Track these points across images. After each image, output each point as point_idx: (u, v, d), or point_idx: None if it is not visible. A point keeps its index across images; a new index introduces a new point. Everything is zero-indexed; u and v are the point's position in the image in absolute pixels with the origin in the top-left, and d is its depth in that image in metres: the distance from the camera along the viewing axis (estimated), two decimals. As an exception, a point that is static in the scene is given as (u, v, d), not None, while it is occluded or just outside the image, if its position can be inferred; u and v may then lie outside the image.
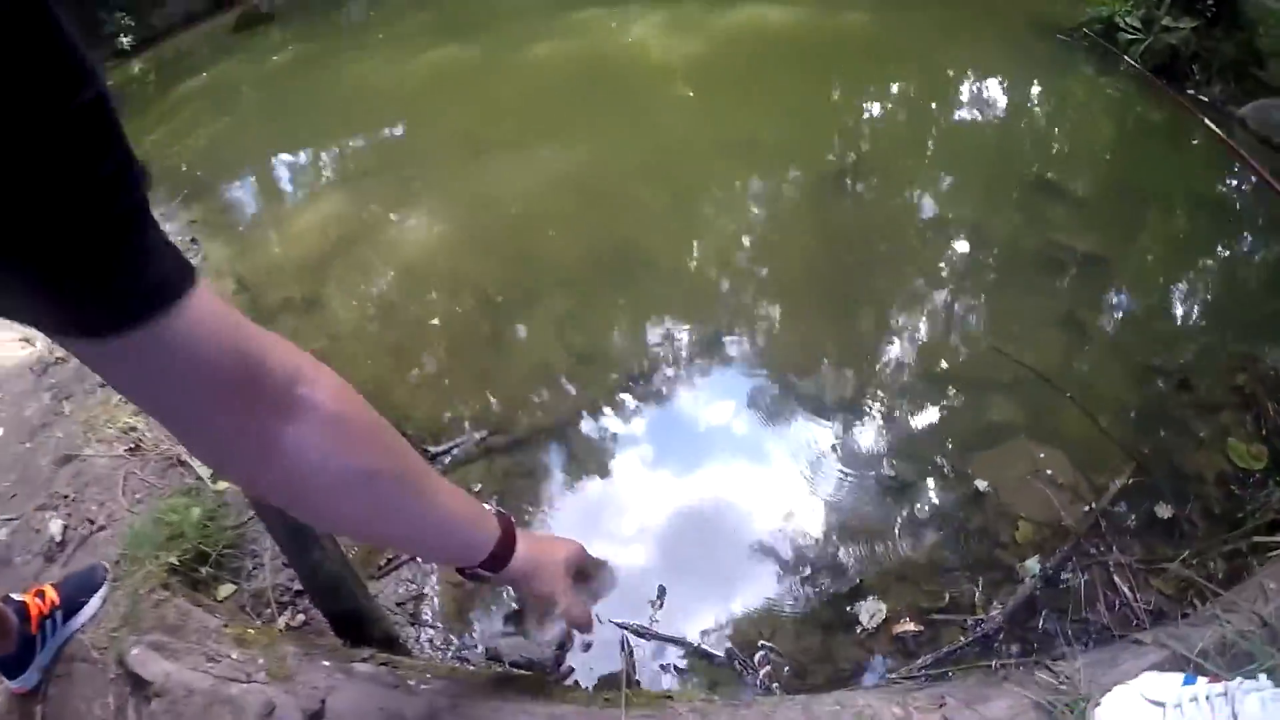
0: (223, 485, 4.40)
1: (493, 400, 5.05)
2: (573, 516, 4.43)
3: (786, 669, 3.72)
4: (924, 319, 5.58)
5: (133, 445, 4.96)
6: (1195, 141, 6.60)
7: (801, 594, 4.08)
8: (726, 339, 5.43)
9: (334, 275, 6.14)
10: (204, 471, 4.50)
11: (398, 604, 4.01)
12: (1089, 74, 7.69)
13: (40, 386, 5.50)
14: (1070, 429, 4.48)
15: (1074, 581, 3.67)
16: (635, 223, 6.49)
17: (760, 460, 4.81)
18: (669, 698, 3.03)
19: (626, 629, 3.88)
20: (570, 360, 5.30)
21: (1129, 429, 4.46)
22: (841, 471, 4.77)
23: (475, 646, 3.90)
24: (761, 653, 3.79)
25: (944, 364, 5.18)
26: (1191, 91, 7.00)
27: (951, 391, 4.96)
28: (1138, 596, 3.54)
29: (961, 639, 3.57)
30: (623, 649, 3.84)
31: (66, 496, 4.71)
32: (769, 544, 4.34)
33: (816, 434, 4.92)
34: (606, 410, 5.01)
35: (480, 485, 4.58)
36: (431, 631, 3.93)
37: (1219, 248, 5.91)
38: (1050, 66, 7.91)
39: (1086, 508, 4.01)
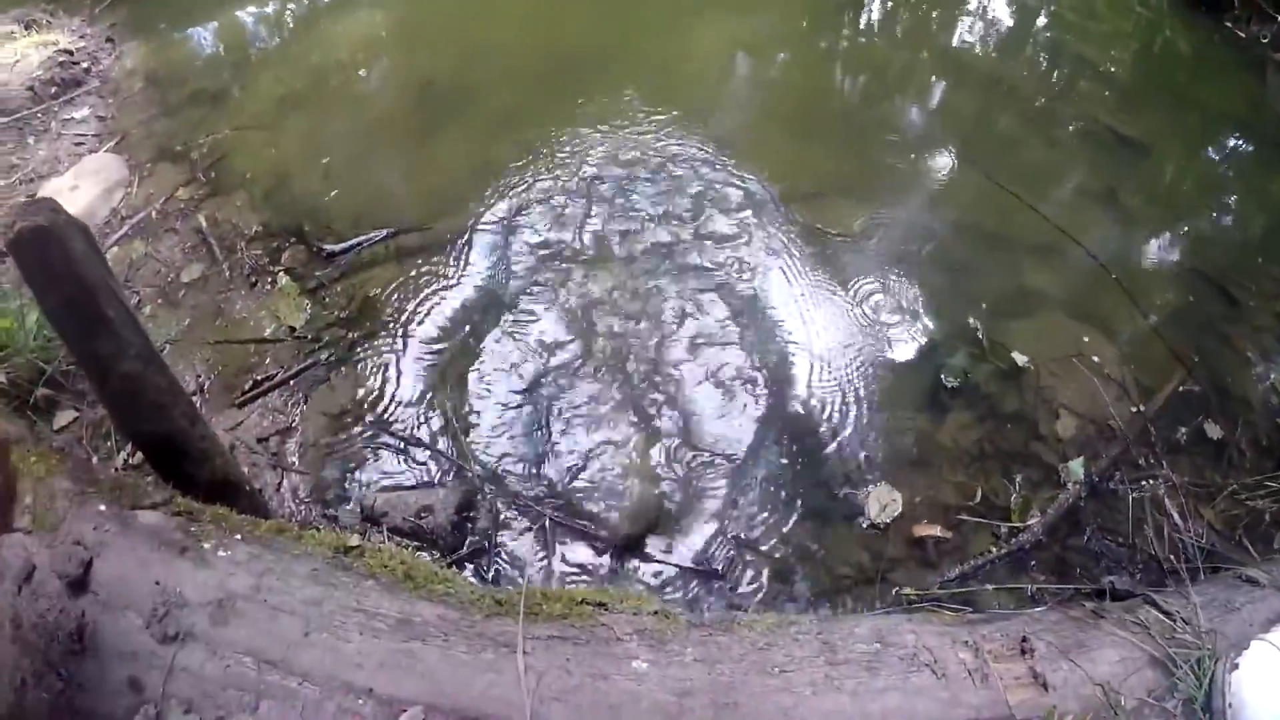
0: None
1: (416, 199, 4.10)
2: (494, 344, 3.51)
3: (765, 571, 2.93)
4: (948, 158, 4.60)
5: (-5, 247, 4.04)
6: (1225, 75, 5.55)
7: (788, 468, 3.22)
8: (704, 152, 4.30)
9: (253, 69, 5.05)
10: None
11: (259, 439, 3.14)
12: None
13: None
14: (1113, 316, 3.79)
15: (1122, 496, 3.07)
16: (595, 23, 5.39)
17: (733, 287, 3.78)
18: (600, 605, 2.10)
19: (545, 511, 3.04)
20: (510, 157, 4.32)
21: (1174, 331, 3.76)
22: (848, 308, 3.70)
23: (347, 501, 3.00)
24: (730, 550, 2.96)
25: (970, 211, 4.30)
26: (1229, 25, 5.90)
27: (980, 243, 4.11)
28: (1189, 525, 2.99)
29: (993, 550, 2.94)
30: (544, 537, 2.98)
31: (-92, 302, 3.86)
32: (743, 395, 3.43)
33: (813, 257, 3.86)
34: (544, 215, 3.99)
35: (383, 291, 3.67)
36: (296, 479, 3.04)
37: (1258, 174, 4.97)
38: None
39: (1135, 409, 3.40)
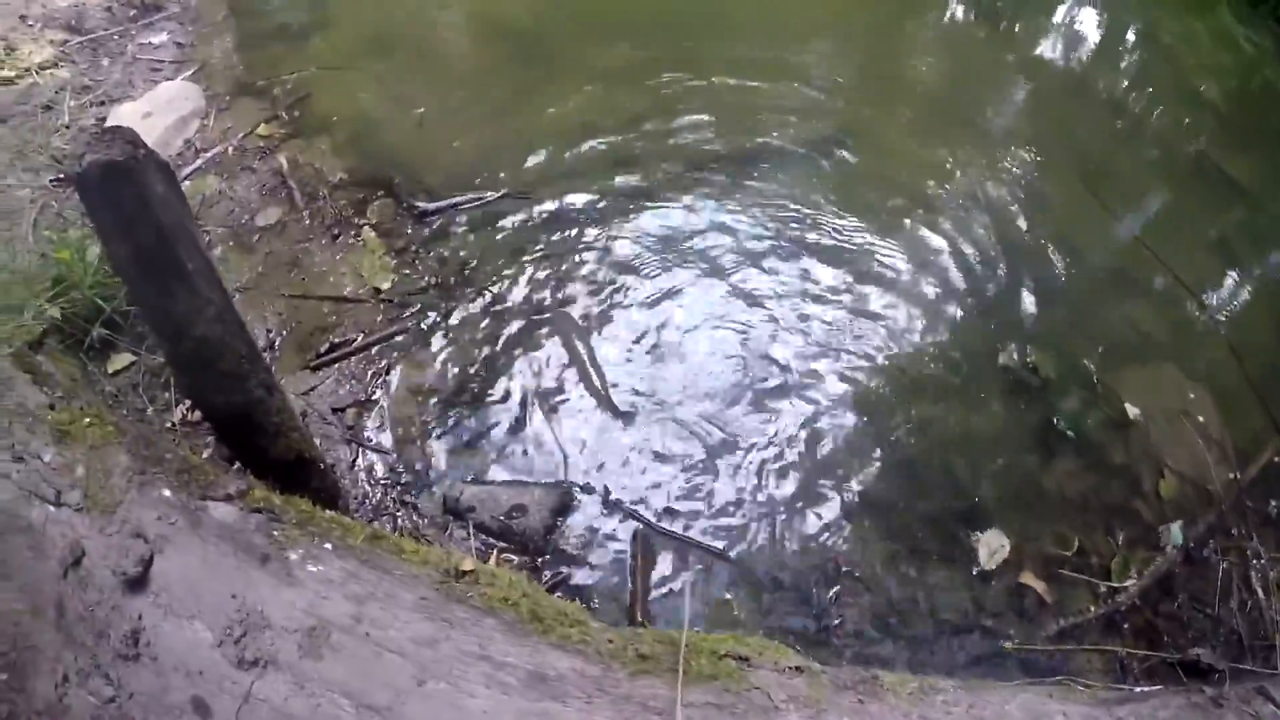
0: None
1: (512, 161, 3.58)
2: (603, 329, 3.02)
3: (868, 606, 2.57)
4: (1070, 188, 4.03)
5: (61, 176, 3.62)
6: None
7: (901, 503, 2.81)
8: (838, 139, 3.76)
9: (340, 7, 4.56)
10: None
11: (334, 409, 2.69)
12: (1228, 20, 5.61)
13: (-23, 111, 4.15)
14: (1220, 374, 3.38)
15: (1213, 565, 2.82)
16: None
17: (852, 297, 3.32)
18: (743, 658, 1.69)
19: (643, 520, 2.61)
20: (618, 122, 3.76)
21: (1275, 392, 3.32)
22: (961, 339, 3.21)
23: (429, 488, 2.57)
24: (836, 587, 2.58)
25: (1091, 248, 3.80)
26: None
27: (1100, 281, 3.64)
28: (1271, 601, 2.75)
29: (1091, 610, 2.70)
30: (633, 551, 2.54)
31: (-32, 229, 3.46)
32: (858, 421, 2.99)
33: (928, 270, 3.37)
34: (662, 190, 3.48)
35: (478, 259, 3.17)
36: (373, 458, 2.60)
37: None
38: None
39: (1232, 475, 3.06)
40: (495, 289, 3.06)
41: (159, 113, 4.09)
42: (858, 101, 4.20)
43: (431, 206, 3.23)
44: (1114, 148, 4.36)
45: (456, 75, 3.98)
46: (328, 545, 1.76)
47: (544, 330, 2.97)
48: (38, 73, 4.28)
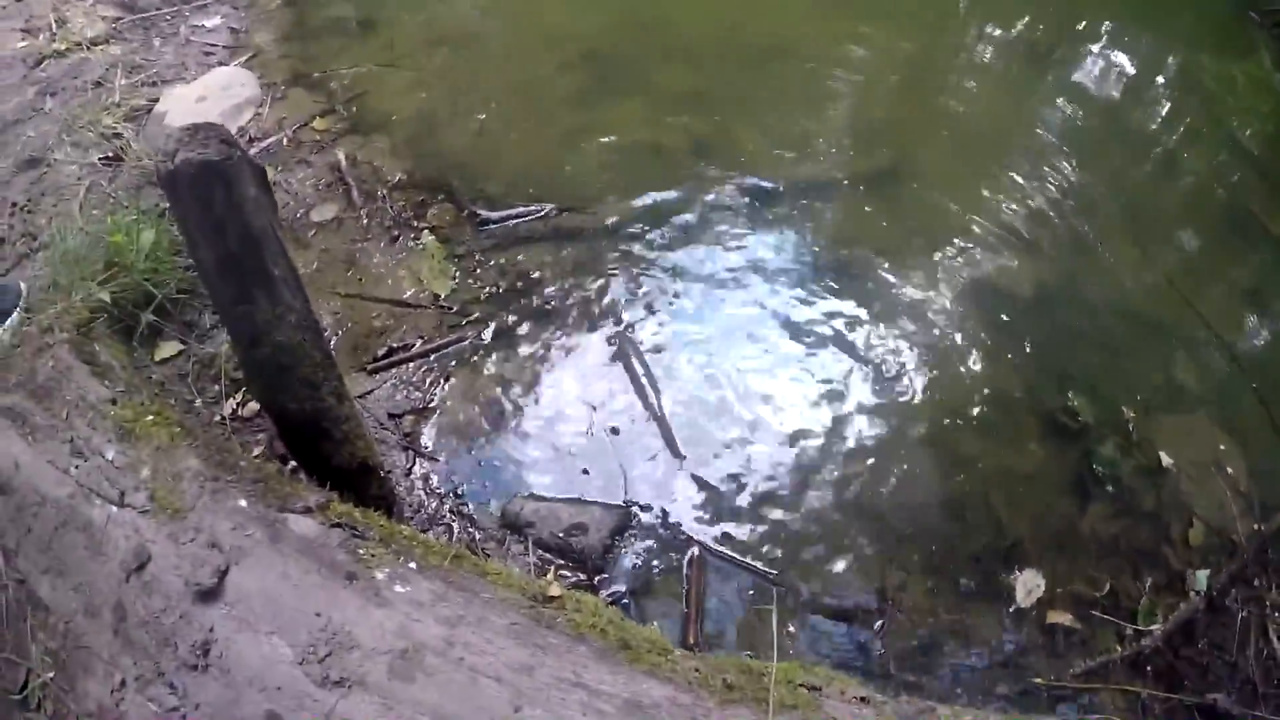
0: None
1: (576, 175, 3.45)
2: (665, 355, 2.91)
3: (910, 638, 2.50)
4: (1106, 230, 3.91)
5: (110, 154, 3.47)
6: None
7: (944, 539, 2.73)
8: (887, 173, 3.67)
9: (402, 3, 4.36)
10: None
11: (391, 416, 2.55)
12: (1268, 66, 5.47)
13: (28, 80, 4.02)
14: (1248, 422, 3.26)
15: (1234, 613, 2.74)
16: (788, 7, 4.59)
17: (898, 333, 3.23)
18: (814, 688, 1.59)
19: (699, 543, 2.50)
20: (685, 144, 3.62)
21: None
22: (1002, 379, 3.13)
23: (486, 501, 2.44)
24: (881, 620, 2.50)
25: (1129, 292, 3.68)
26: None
27: (1134, 320, 3.53)
28: None
29: (1117, 650, 2.63)
30: (689, 574, 2.44)
31: (17, 205, 3.30)
32: (906, 459, 2.89)
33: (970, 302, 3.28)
34: (727, 218, 3.36)
35: (540, 273, 3.05)
36: (429, 466, 2.47)
37: None
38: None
39: (1256, 526, 2.95)
40: (555, 304, 2.93)
41: (213, 98, 3.93)
42: (904, 134, 4.11)
43: (493, 215, 3.10)
44: (1150, 189, 4.29)
45: (517, 82, 3.84)
46: (412, 564, 1.63)
47: (605, 351, 2.85)
48: (89, 48, 4.11)
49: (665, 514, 2.52)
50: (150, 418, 1.90)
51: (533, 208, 3.14)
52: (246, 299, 1.72)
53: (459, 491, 2.47)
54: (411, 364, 2.70)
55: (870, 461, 2.80)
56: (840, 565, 2.57)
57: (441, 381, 2.67)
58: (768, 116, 3.92)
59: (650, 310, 2.99)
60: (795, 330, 3.08)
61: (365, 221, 3.15)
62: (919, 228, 3.62)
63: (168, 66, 4.10)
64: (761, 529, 2.57)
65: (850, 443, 2.83)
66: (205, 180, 1.59)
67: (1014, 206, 3.86)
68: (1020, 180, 3.99)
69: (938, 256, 3.54)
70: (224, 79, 4.05)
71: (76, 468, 1.86)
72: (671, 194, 3.39)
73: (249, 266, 1.68)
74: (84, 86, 3.91)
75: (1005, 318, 3.36)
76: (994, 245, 3.63)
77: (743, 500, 2.61)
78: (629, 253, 3.15)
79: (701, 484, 2.60)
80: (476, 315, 2.85)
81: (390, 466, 2.51)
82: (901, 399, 3.00)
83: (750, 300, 3.13)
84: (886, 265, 3.41)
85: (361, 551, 1.60)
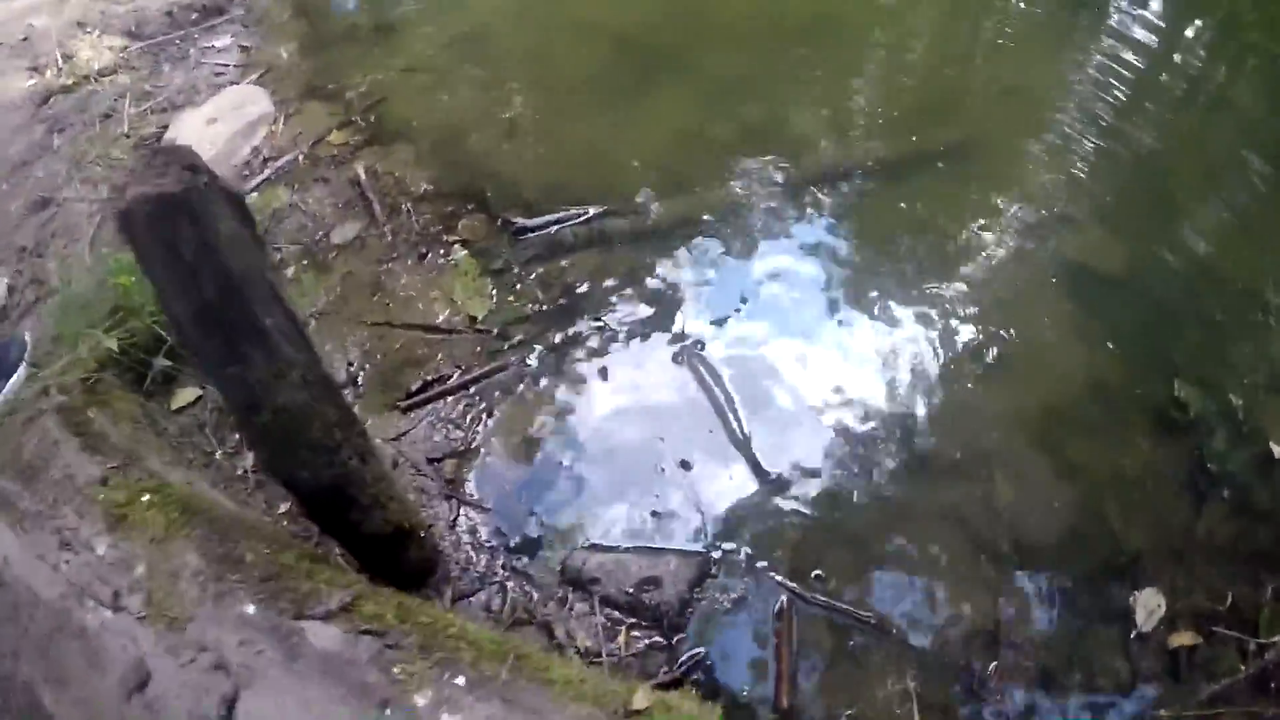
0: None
1: (619, 173, 3.00)
2: (737, 369, 2.47)
3: (1027, 675, 2.08)
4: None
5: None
6: None
7: (1057, 559, 2.28)
8: (958, 150, 3.17)
9: (419, 4, 3.97)
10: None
11: (430, 460, 2.18)
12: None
13: (36, 119, 3.75)
14: None
15: None
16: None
17: (992, 326, 2.73)
18: None
19: (788, 589, 2.06)
20: (735, 133, 3.16)
21: None
22: (1106, 372, 2.67)
23: (543, 553, 2.05)
24: (995, 661, 2.07)
25: (1223, 265, 3.08)
26: None
27: (1233, 300, 2.95)
28: None
29: (1241, 669, 2.23)
30: (777, 628, 2.01)
31: (25, 249, 3.02)
32: (1014, 471, 2.42)
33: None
34: (788, 209, 2.92)
35: (587, 284, 2.63)
36: (476, 517, 2.09)
37: None
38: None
39: None
40: (607, 319, 2.51)
41: (224, 119, 3.61)
42: (966, 106, 3.62)
43: (531, 223, 2.69)
44: (1240, 161, 3.72)
45: (548, 78, 3.40)
46: (460, 680, 1.25)
47: (669, 370, 2.42)
48: (96, 80, 3.82)
49: (750, 556, 2.10)
50: (146, 498, 1.55)
51: (574, 211, 2.71)
52: (236, 358, 1.34)
53: (511, 544, 2.08)
54: (450, 398, 2.31)
55: (974, 477, 2.36)
56: (947, 601, 2.15)
57: (484, 417, 2.28)
58: (820, 96, 3.45)
59: (715, 319, 2.55)
60: (873, 330, 2.63)
61: (390, 239, 2.77)
62: (991, 206, 3.12)
63: (178, 92, 3.79)
64: (857, 564, 2.15)
65: (948, 455, 2.38)
66: (166, 217, 1.20)
67: (1090, 176, 3.34)
68: (1091, 148, 3.46)
69: (1015, 236, 3.03)
70: (235, 98, 3.73)
71: (66, 563, 1.52)
72: (724, 187, 2.94)
73: (233, 319, 1.30)
74: (92, 120, 3.61)
75: (1095, 299, 2.88)
76: (1074, 219, 3.12)
77: (834, 532, 2.19)
78: (685, 255, 2.71)
79: (789, 516, 2.18)
80: (519, 338, 2.44)
81: (432, 519, 2.14)
82: (997, 401, 2.54)
83: (823, 299, 2.67)
84: (961, 248, 2.93)
85: (397, 670, 1.22)
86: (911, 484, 2.31)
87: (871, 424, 2.40)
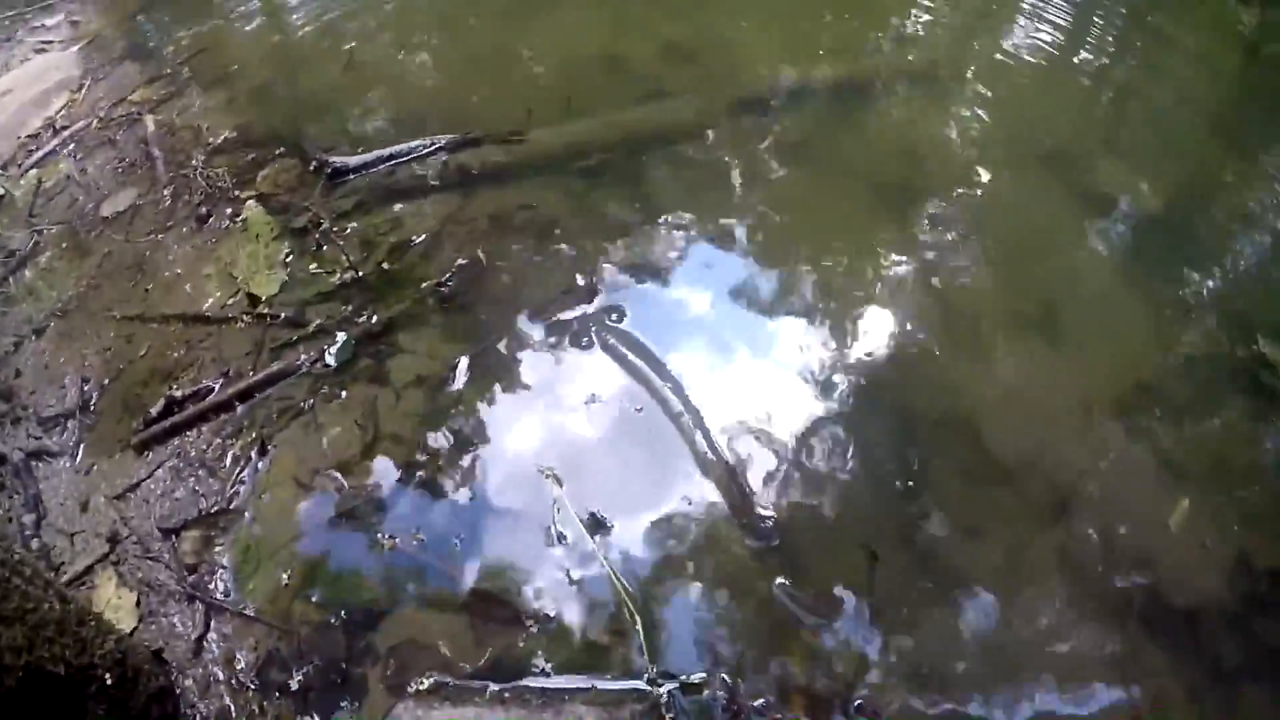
0: None
1: (489, 99, 2.04)
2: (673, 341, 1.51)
3: None
4: None
5: None
6: None
7: (1174, 604, 1.44)
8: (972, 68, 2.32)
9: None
10: None
11: (165, 531, 1.28)
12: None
13: None
14: None
15: None
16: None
17: (1023, 294, 1.93)
18: None
19: None
20: (654, 53, 2.23)
21: None
22: (1190, 335, 1.93)
23: (348, 702, 1.12)
24: None
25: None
26: None
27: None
28: None
29: None
30: None
31: None
32: (1114, 481, 1.60)
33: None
34: (722, 145, 2.01)
35: (430, 239, 1.67)
36: (234, 634, 1.19)
37: None
38: None
39: None
40: (463, 287, 1.53)
41: (20, 89, 2.73)
42: (941, 25, 2.76)
43: (354, 160, 1.75)
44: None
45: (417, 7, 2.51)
46: None
47: (571, 359, 1.51)
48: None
49: (733, 688, 1.17)
50: None
51: (418, 143, 1.77)
52: None
53: (295, 684, 1.14)
54: (204, 425, 1.39)
55: (1057, 488, 1.45)
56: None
57: (253, 455, 1.33)
58: (767, 13, 2.58)
59: (634, 277, 1.66)
60: (858, 292, 1.72)
61: (169, 203, 1.85)
62: (983, 136, 2.24)
63: (-14, 70, 2.90)
64: (938, 680, 1.21)
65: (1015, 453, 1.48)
66: None
67: (1099, 98, 2.50)
68: (1102, 69, 2.62)
69: (1019, 170, 2.15)
70: (38, 68, 2.83)
71: None
72: (642, 106, 2.01)
73: None
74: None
75: (1135, 240, 2.02)
76: (1091, 150, 2.26)
77: (873, 637, 1.25)
78: (580, 199, 1.75)
79: (798, 612, 1.24)
80: (317, 323, 1.48)
81: (166, 636, 1.19)
82: (1057, 376, 1.65)
83: (785, 255, 1.76)
84: (957, 189, 2.04)
85: None
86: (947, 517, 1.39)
87: (877, 437, 1.48)
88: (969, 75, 2.39)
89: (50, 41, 3.26)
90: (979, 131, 2.22)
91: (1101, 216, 2.05)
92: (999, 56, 2.53)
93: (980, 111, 2.27)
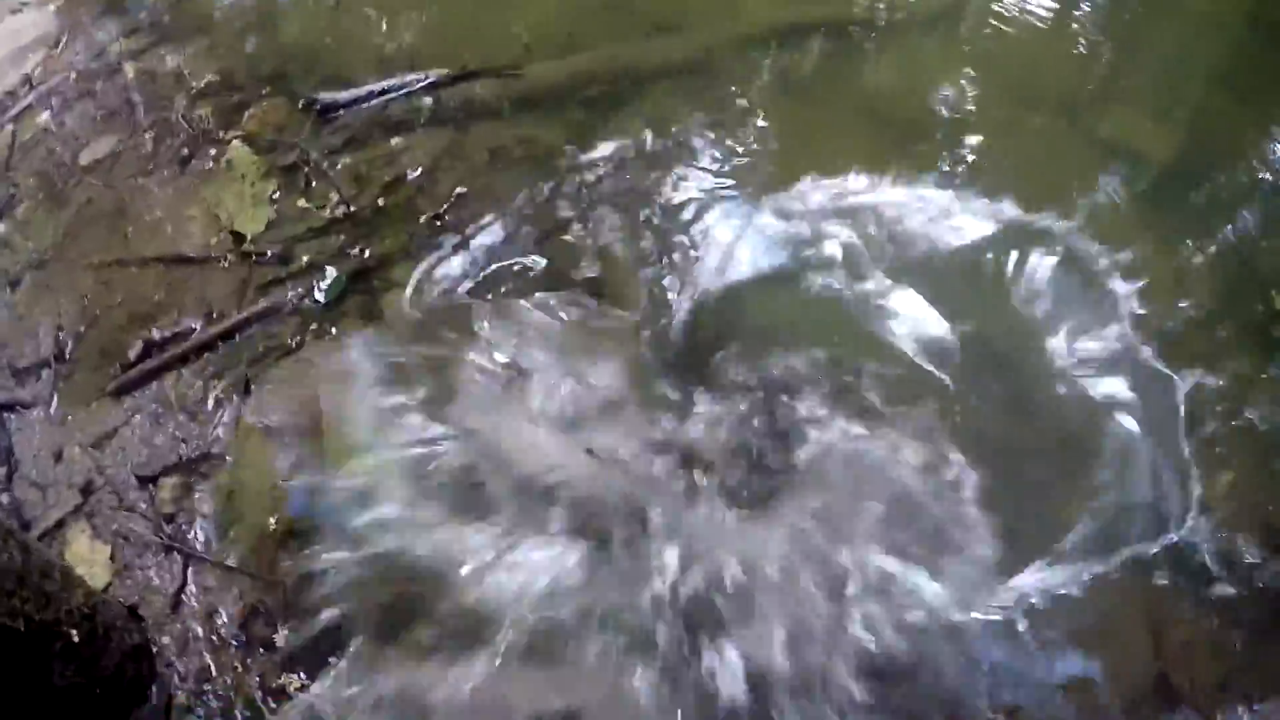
0: None
1: (487, 33, 1.90)
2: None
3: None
4: None
5: None
6: None
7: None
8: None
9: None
10: None
11: (141, 478, 1.14)
12: None
13: None
14: None
15: None
16: None
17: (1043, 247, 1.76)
18: None
19: None
20: None
21: None
22: (1216, 287, 1.72)
23: (341, 671, 1.01)
24: None
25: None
26: None
27: None
28: None
29: None
30: None
31: None
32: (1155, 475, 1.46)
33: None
34: (737, 79, 1.88)
35: (426, 172, 1.54)
36: (216, 586, 1.08)
37: None
38: None
39: None
40: (465, 223, 1.42)
41: (-4, 47, 2.60)
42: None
43: (344, 96, 1.63)
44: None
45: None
46: None
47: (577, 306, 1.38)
48: None
49: None
50: None
51: (410, 78, 1.65)
52: None
53: (280, 642, 1.04)
54: (185, 367, 1.28)
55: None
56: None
57: (235, 396, 1.23)
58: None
59: (647, 231, 1.52)
60: (882, 252, 1.61)
61: (150, 148, 1.73)
62: (998, 76, 2.10)
63: (-45, 28, 2.75)
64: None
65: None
66: None
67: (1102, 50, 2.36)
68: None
69: (1028, 113, 2.02)
70: (16, 25, 2.70)
71: None
72: (647, 39, 1.87)
73: None
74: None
75: (1149, 191, 1.90)
76: (1099, 96, 2.13)
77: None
78: (585, 130, 1.62)
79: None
80: (306, 259, 1.38)
81: (140, 590, 1.09)
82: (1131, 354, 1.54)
83: (790, 183, 1.66)
84: (969, 134, 1.92)
85: None
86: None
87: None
88: (975, 20, 2.29)
89: (26, 1, 3.13)
90: (985, 76, 2.12)
91: (1113, 160, 1.95)
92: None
93: (988, 52, 2.16)
